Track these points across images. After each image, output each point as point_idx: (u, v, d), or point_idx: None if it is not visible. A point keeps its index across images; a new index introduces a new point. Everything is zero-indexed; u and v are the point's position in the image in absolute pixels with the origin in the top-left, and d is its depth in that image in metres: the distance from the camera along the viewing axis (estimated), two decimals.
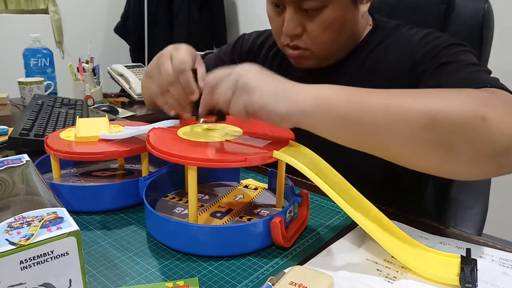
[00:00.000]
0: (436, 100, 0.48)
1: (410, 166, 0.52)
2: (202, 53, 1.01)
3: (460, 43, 0.70)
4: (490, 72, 0.63)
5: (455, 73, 0.63)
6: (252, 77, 0.52)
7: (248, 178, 0.73)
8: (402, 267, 0.49)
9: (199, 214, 0.59)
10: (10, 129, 0.96)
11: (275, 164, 0.57)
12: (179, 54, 0.62)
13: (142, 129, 0.65)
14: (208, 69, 0.96)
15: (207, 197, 0.65)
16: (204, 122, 0.65)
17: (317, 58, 0.76)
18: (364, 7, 0.74)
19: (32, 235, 0.33)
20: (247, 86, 0.51)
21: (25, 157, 0.50)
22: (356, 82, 0.76)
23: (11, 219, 0.35)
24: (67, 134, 0.69)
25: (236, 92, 0.52)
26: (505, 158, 0.48)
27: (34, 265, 0.32)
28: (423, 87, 0.66)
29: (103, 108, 1.57)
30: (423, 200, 0.91)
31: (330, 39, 0.73)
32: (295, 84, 0.53)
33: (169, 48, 0.65)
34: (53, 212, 0.36)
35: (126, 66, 1.86)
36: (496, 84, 0.56)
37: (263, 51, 0.89)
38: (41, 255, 0.33)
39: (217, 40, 2.70)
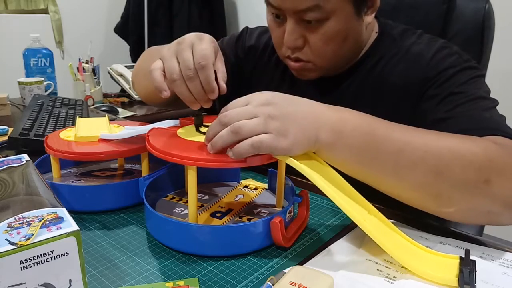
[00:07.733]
0: (447, 154, 0.51)
1: (403, 201, 0.55)
2: None
3: (471, 66, 0.69)
4: (496, 103, 0.64)
5: (466, 110, 0.63)
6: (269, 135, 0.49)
7: (248, 178, 0.73)
8: (402, 267, 0.49)
9: (199, 214, 0.59)
10: (10, 129, 0.96)
11: (275, 164, 0.56)
12: (201, 46, 0.58)
13: (142, 129, 0.64)
14: None
15: (207, 197, 0.65)
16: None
17: (319, 70, 0.74)
18: (369, 18, 0.72)
19: (32, 235, 0.33)
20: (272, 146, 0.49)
21: (25, 157, 0.50)
22: (362, 93, 0.76)
23: (11, 219, 0.35)
24: (67, 134, 0.68)
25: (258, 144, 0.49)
26: (497, 217, 0.52)
27: (34, 265, 0.32)
28: (428, 112, 0.67)
29: (103, 108, 1.57)
30: None
31: (333, 51, 0.70)
32: (314, 112, 0.52)
33: (191, 36, 0.60)
34: (53, 212, 0.36)
35: (126, 66, 1.86)
36: (505, 130, 0.58)
37: (267, 52, 0.87)
38: (41, 255, 0.33)
39: (217, 40, 2.69)
